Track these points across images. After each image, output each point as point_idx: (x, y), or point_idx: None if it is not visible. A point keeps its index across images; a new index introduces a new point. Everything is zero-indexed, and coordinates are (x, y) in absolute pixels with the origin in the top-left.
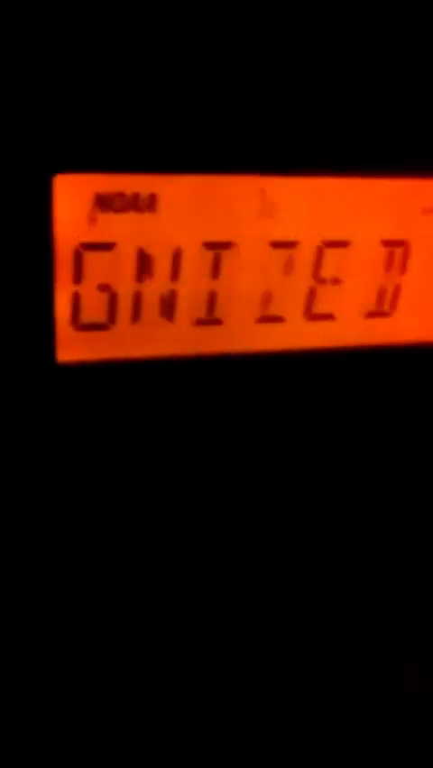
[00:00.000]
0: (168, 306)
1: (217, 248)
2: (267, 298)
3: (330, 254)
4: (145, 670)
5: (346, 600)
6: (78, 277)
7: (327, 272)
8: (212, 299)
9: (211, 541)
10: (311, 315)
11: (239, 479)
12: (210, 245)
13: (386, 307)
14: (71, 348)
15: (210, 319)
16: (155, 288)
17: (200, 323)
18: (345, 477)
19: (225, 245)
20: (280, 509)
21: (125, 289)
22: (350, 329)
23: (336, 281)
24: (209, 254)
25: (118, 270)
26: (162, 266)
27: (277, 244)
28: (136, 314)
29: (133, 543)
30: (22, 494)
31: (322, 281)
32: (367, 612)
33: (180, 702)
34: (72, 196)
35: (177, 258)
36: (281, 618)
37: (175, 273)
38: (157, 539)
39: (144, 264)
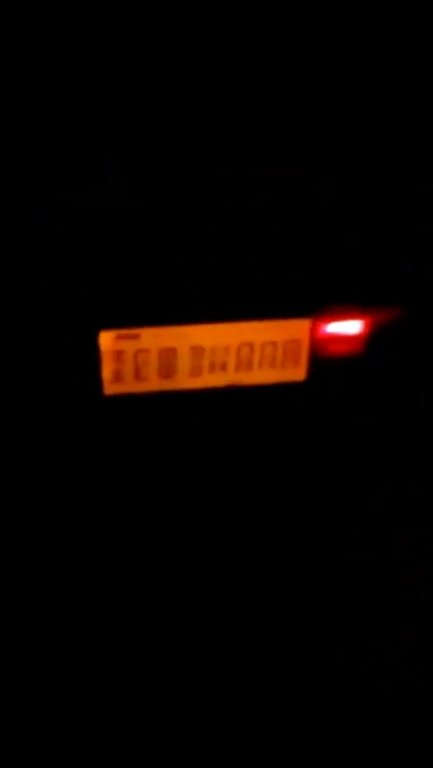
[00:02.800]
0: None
1: (165, 353)
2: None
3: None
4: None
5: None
6: (111, 362)
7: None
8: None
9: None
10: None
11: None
12: (162, 350)
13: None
14: (112, 389)
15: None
16: (153, 365)
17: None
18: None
19: (171, 350)
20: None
21: (128, 367)
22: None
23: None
24: (161, 354)
25: (128, 358)
26: (153, 358)
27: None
28: (141, 377)
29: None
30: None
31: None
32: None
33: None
34: (107, 336)
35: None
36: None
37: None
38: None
39: (140, 359)
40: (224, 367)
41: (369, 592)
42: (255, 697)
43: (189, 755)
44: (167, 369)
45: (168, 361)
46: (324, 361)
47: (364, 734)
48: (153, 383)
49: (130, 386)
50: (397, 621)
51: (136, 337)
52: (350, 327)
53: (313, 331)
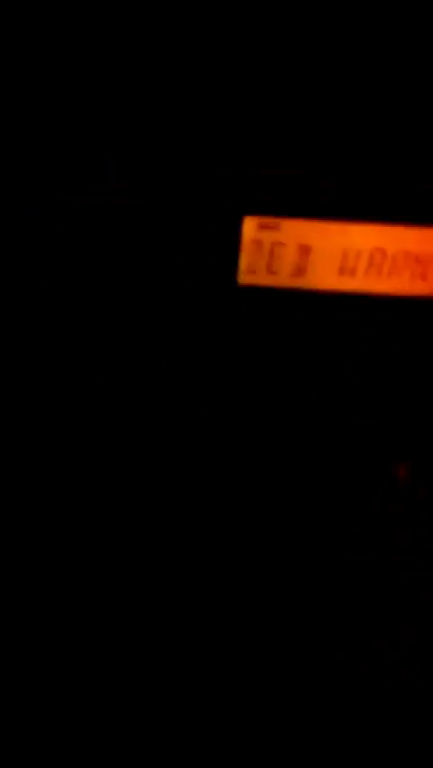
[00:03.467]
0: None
1: (303, 250)
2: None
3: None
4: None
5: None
6: (249, 251)
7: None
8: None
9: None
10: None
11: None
12: (301, 247)
13: None
14: (246, 279)
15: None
16: (286, 260)
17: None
18: None
19: (305, 247)
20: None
21: (262, 259)
22: None
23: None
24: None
25: (265, 250)
26: (288, 252)
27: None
28: (273, 271)
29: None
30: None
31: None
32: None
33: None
34: (250, 223)
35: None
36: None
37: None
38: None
39: (277, 250)
40: (353, 272)
41: (369, 592)
42: (255, 696)
43: (189, 755)
44: (299, 266)
45: (301, 259)
46: None
47: (365, 734)
48: (284, 279)
49: (262, 278)
50: (397, 621)
51: (276, 227)
52: None
53: None
